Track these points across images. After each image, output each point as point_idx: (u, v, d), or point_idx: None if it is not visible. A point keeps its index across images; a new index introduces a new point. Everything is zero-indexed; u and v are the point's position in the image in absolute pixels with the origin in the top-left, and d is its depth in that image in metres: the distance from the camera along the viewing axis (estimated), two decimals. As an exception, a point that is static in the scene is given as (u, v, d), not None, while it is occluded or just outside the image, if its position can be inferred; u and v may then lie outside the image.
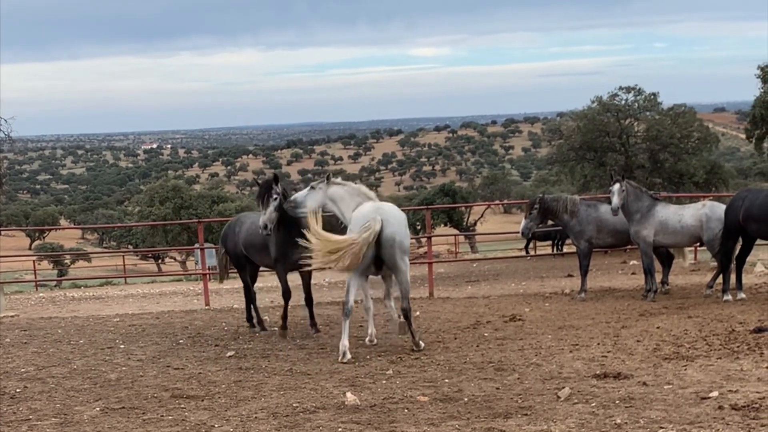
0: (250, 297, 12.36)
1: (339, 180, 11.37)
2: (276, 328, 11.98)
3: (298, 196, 11.09)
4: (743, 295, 12.79)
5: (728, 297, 12.71)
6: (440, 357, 9.41)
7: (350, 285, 9.92)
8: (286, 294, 11.68)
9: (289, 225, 11.27)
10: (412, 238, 14.69)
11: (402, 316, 10.29)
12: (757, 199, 12.58)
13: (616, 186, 13.48)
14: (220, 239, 12.78)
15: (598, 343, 9.80)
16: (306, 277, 11.66)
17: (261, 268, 12.83)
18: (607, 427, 6.35)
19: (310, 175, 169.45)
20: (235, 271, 13.04)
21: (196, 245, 20.87)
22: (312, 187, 11.18)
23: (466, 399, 7.41)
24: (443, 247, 41.05)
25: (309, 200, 10.91)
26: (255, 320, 12.32)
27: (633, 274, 18.11)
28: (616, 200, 13.44)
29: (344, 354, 9.53)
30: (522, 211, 25.97)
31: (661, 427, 6.23)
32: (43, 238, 78.37)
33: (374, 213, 9.79)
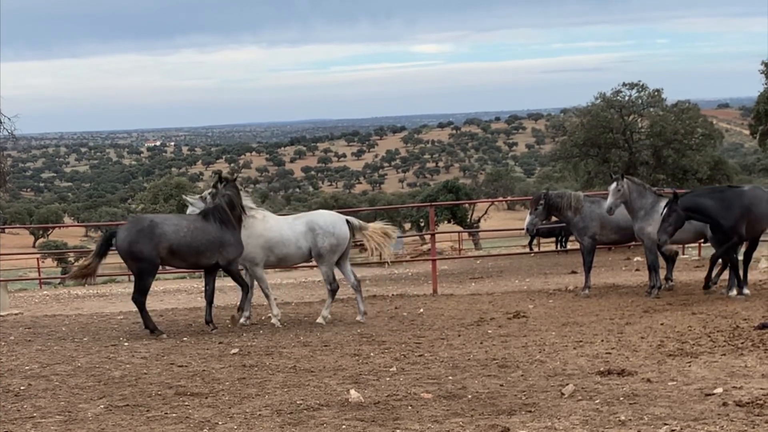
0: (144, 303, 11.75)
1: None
2: (280, 324, 12.08)
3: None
4: (747, 292, 12.77)
5: (733, 293, 12.70)
6: (444, 354, 9.41)
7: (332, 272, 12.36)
8: (247, 289, 12.31)
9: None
10: (415, 235, 15.42)
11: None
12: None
13: (613, 185, 13.49)
14: (124, 243, 11.39)
15: (602, 340, 9.80)
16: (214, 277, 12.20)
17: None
18: (611, 424, 6.34)
19: (313, 172, 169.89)
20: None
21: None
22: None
23: (469, 396, 7.41)
24: (447, 244, 41.00)
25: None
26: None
27: (637, 270, 18.08)
28: (610, 200, 13.46)
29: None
30: (525, 207, 25.94)
31: (665, 424, 6.22)
32: (47, 235, 78.51)
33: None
